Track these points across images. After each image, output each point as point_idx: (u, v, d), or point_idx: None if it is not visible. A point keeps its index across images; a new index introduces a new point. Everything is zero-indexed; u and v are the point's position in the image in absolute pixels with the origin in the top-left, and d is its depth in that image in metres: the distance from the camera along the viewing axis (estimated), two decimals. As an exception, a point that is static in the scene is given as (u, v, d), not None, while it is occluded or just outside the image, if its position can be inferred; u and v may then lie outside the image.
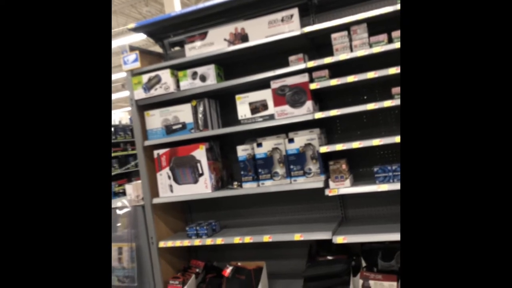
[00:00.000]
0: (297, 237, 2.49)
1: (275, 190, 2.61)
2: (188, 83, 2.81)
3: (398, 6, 2.24)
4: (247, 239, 2.63)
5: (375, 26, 2.47)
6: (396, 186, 2.29)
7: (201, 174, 2.81)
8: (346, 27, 2.43)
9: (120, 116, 9.59)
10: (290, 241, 2.69)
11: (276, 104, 2.60)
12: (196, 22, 3.01)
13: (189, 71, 2.81)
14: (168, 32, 3.18)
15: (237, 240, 2.66)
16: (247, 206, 3.12)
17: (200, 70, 2.78)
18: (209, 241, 2.75)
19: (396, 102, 2.27)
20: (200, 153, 2.81)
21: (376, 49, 2.31)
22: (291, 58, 2.60)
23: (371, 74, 2.31)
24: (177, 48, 3.32)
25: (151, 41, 3.36)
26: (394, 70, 2.25)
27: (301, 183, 2.55)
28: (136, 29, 3.03)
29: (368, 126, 2.76)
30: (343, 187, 2.41)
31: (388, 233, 2.30)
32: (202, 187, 2.81)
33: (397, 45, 2.25)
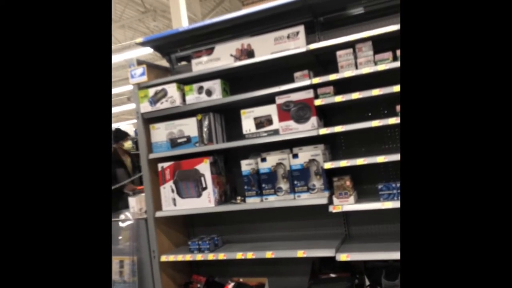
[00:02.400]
0: (300, 253, 2.47)
1: (279, 205, 2.60)
2: (194, 97, 2.84)
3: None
4: (250, 255, 2.61)
5: (380, 44, 2.49)
6: (401, 203, 2.27)
7: (205, 188, 2.81)
8: (351, 44, 2.46)
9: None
10: (293, 258, 2.66)
11: (281, 119, 2.61)
12: (203, 38, 3.06)
13: (195, 86, 2.84)
14: (175, 47, 3.22)
15: (239, 255, 2.64)
16: (250, 221, 3.10)
17: (206, 84, 2.81)
18: (211, 256, 2.73)
19: (400, 119, 2.28)
20: (204, 167, 2.81)
21: (381, 67, 2.33)
22: (297, 74, 2.62)
23: (375, 91, 2.32)
24: (183, 63, 3.36)
25: (158, 55, 3.41)
26: (399, 87, 2.26)
27: (305, 199, 2.54)
28: (144, 44, 3.08)
29: (373, 143, 2.76)
30: (347, 204, 2.40)
31: (392, 251, 2.27)
32: (205, 201, 2.80)
33: (402, 63, 2.27)
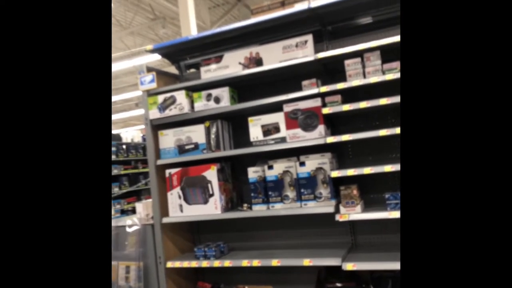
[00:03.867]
0: (306, 262, 2.46)
1: (285, 213, 2.60)
2: (202, 105, 2.86)
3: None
4: (255, 263, 2.61)
5: (388, 54, 2.50)
6: (408, 213, 2.26)
7: (211, 195, 2.82)
8: (359, 53, 2.47)
9: (132, 134, 9.71)
10: (299, 266, 2.66)
11: (288, 127, 2.62)
12: (212, 46, 3.09)
13: (203, 93, 2.86)
14: (185, 54, 3.25)
15: (245, 263, 2.64)
16: (256, 228, 3.10)
17: (214, 92, 2.84)
18: (217, 263, 2.73)
19: (408, 129, 2.27)
20: (211, 174, 2.82)
21: (389, 76, 2.33)
22: (304, 82, 2.64)
23: (383, 101, 2.32)
24: (192, 70, 3.39)
25: (167, 61, 3.45)
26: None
27: (312, 207, 2.53)
28: (153, 51, 3.11)
29: (380, 152, 2.75)
30: (354, 213, 2.39)
31: (399, 261, 2.25)
32: (212, 208, 2.81)
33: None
